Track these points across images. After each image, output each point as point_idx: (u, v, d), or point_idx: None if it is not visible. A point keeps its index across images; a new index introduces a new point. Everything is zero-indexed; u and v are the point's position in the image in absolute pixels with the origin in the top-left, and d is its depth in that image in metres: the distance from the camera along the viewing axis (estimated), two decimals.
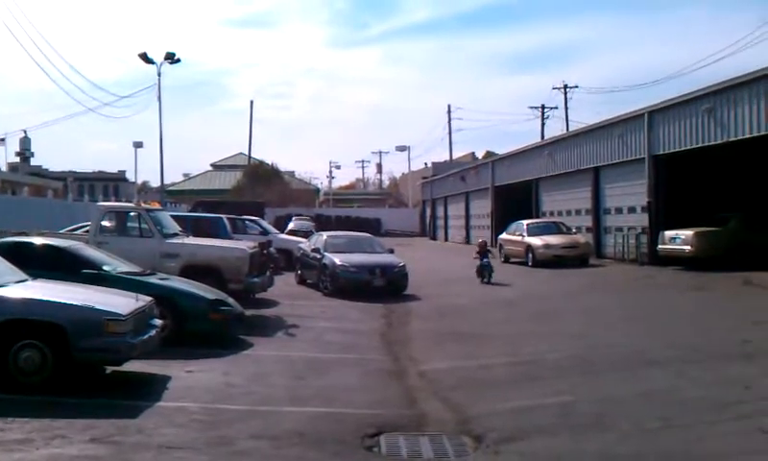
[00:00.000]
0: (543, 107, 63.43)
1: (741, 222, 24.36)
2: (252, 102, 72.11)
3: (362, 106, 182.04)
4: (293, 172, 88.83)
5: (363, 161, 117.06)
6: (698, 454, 6.92)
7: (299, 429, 7.72)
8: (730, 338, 12.52)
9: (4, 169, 79.49)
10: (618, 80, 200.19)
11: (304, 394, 9.44)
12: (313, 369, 10.94)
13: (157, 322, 10.42)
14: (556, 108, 63.97)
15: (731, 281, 20.48)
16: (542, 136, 57.38)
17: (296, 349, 12.59)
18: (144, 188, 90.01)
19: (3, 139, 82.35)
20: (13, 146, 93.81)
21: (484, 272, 23.12)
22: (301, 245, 24.93)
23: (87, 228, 18.71)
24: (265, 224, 32.35)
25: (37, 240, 13.71)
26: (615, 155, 30.06)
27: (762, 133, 21.00)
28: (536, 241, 29.14)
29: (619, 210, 30.21)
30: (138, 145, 70.16)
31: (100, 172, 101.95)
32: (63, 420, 7.60)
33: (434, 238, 62.92)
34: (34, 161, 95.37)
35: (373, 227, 58.51)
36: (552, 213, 36.44)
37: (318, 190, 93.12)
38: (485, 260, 23.26)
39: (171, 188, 74.80)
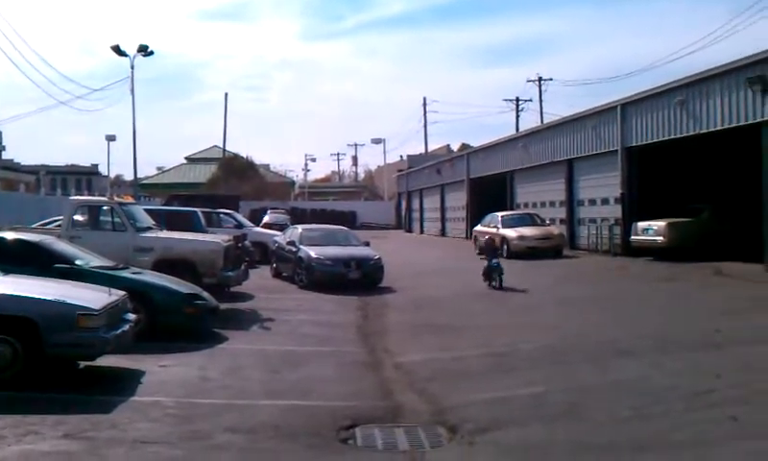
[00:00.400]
0: (518, 99, 63.72)
1: (712, 213, 24.66)
2: (226, 94, 71.36)
3: (337, 98, 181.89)
4: (268, 165, 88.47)
5: (338, 154, 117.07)
6: (670, 443, 7.00)
7: (274, 422, 7.71)
8: (701, 328, 12.69)
9: None
10: (593, 72, 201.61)
11: (280, 387, 9.44)
12: (288, 362, 10.93)
13: (131, 316, 10.35)
14: (530, 100, 64.18)
15: (702, 272, 20.74)
16: (517, 129, 57.60)
17: (271, 342, 12.58)
18: (117, 182, 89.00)
19: None
20: None
21: (492, 274, 19.51)
22: (277, 238, 24.87)
23: (60, 222, 18.54)
24: (240, 217, 32.23)
25: (9, 235, 13.53)
26: (589, 147, 30.29)
27: (733, 124, 21.26)
28: (510, 233, 29.30)
29: (593, 202, 30.45)
30: (111, 138, 69.69)
31: (72, 166, 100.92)
32: (36, 415, 7.53)
33: (409, 231, 63.02)
34: (5, 155, 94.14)
35: (349, 220, 58.46)
36: (527, 205, 36.64)
37: (293, 183, 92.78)
38: (494, 261, 19.68)
39: (144, 182, 74.14)
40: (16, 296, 9.33)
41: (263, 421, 7.79)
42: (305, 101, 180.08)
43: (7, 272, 10.37)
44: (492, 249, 20.17)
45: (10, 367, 8.83)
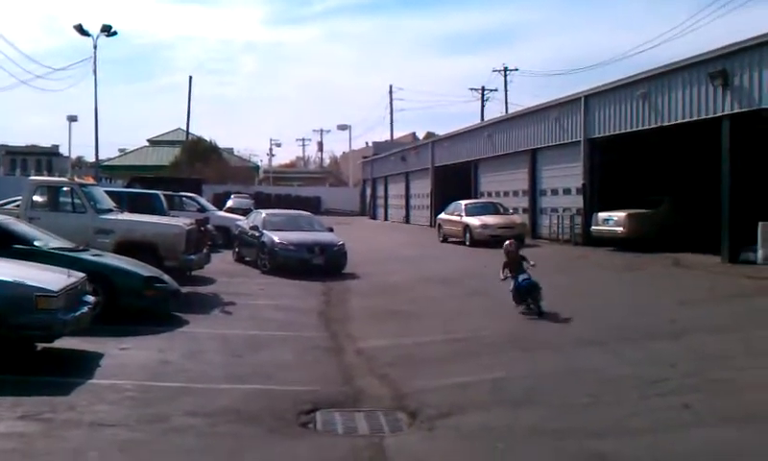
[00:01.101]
0: (483, 89, 64.11)
1: (672, 205, 25.05)
2: (190, 77, 71.02)
3: (303, 83, 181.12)
4: (232, 149, 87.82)
5: (304, 140, 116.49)
6: (626, 429, 7.13)
7: (234, 406, 7.70)
8: (658, 317, 12.91)
9: None
10: (558, 63, 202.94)
11: (240, 371, 9.42)
12: (250, 346, 10.91)
13: (90, 298, 10.23)
14: (496, 90, 64.95)
15: (661, 262, 21.06)
16: (482, 118, 57.94)
17: (232, 326, 12.53)
18: (79, 163, 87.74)
19: None
20: None
21: (526, 295, 13.26)
22: (240, 223, 24.72)
23: (18, 202, 18.24)
24: (203, 201, 31.96)
25: None
26: (552, 137, 30.55)
27: (695, 118, 21.57)
28: (473, 221, 29.48)
29: (555, 192, 30.74)
30: (73, 119, 68.81)
31: (33, 146, 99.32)
32: None
33: (374, 217, 63.06)
34: None
35: (313, 205, 58.29)
36: (490, 194, 36.86)
37: (257, 168, 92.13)
38: (522, 279, 13.31)
39: (106, 163, 73.16)
40: None
41: (223, 405, 7.78)
42: (271, 85, 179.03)
43: None
44: (515, 260, 13.62)
45: None
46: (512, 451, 6.68)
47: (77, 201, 16.68)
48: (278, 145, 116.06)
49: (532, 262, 13.67)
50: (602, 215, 25.65)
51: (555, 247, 27.80)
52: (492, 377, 9.08)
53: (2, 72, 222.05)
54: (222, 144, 79.39)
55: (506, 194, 35.20)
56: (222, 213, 31.73)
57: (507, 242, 14.13)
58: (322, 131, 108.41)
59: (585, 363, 9.88)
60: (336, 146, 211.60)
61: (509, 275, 13.48)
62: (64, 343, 9.58)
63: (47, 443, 6.41)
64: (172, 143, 76.59)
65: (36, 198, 17.00)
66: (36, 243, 12.48)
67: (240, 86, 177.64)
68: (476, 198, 36.22)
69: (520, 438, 7.00)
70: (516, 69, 68.34)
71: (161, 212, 21.19)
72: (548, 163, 31.35)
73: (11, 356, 8.99)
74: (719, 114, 20.38)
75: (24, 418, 6.97)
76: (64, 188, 17.49)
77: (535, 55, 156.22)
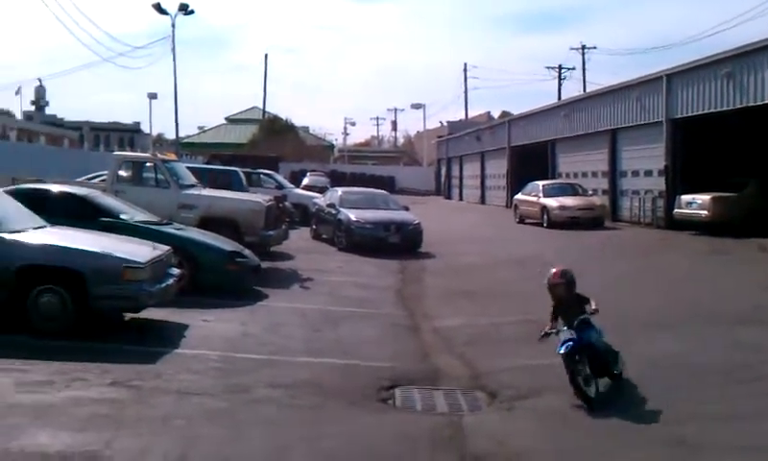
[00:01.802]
0: (560, 67, 62.95)
1: (758, 188, 24.16)
2: (266, 55, 71.63)
3: (377, 62, 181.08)
4: (307, 127, 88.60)
5: (378, 118, 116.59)
6: (707, 415, 6.96)
7: (314, 380, 7.84)
8: (742, 303, 12.52)
9: (19, 118, 79.66)
10: (638, 42, 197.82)
11: (320, 346, 9.56)
12: (328, 321, 11.04)
13: (175, 271, 10.52)
14: (573, 68, 63.47)
15: (746, 247, 20.39)
16: (559, 97, 56.90)
17: (311, 301, 12.70)
18: (159, 140, 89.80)
19: (18, 90, 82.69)
20: (29, 96, 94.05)
21: (579, 365, 7.37)
22: (317, 200, 24.97)
23: (104, 177, 18.77)
24: (280, 178, 32.39)
25: (55, 188, 13.76)
26: (633, 117, 29.81)
27: None
28: (551, 202, 29.07)
29: (636, 173, 30.01)
30: (153, 96, 70.13)
31: (115, 123, 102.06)
32: (83, 364, 7.75)
33: (449, 197, 62.75)
34: (49, 111, 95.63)
35: (388, 184, 58.24)
36: (568, 175, 36.24)
37: (332, 146, 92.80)
38: (587, 335, 7.56)
39: (186, 141, 74.51)
40: (64, 247, 9.55)
41: (304, 378, 7.92)
42: (346, 64, 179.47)
43: (54, 224, 10.60)
44: (568, 301, 7.85)
45: (58, 317, 9.08)
46: (591, 435, 6.61)
47: (160, 176, 17.05)
48: (353, 124, 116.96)
49: (593, 306, 7.82)
50: (685, 198, 24.92)
51: (636, 230, 27.21)
52: None
53: (86, 52, 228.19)
54: (297, 123, 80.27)
55: (584, 175, 34.54)
56: (299, 191, 32.10)
57: (552, 273, 7.89)
58: (396, 110, 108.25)
59: (664, 348, 9.66)
60: (410, 125, 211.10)
61: (557, 327, 7.60)
62: (151, 314, 9.88)
63: (137, 409, 6.63)
64: (249, 121, 77.77)
65: (122, 173, 17.46)
66: (122, 216, 12.86)
67: (315, 65, 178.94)
68: (553, 179, 35.67)
69: (599, 422, 6.90)
70: (594, 47, 66.98)
71: (240, 189, 21.52)
72: (629, 144, 30.61)
73: (99, 325, 9.33)
74: None
75: (114, 384, 7.22)
76: (148, 164, 17.91)
77: (613, 33, 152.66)
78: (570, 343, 7.33)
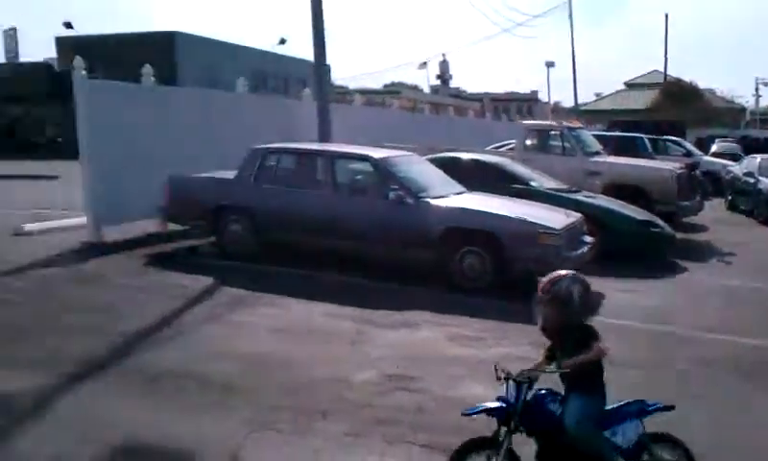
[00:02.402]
0: None
1: None
2: (666, 15, 67.94)
3: None
4: (713, 90, 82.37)
5: None
6: None
7: (735, 358, 7.31)
8: None
9: (426, 92, 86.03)
10: None
11: (740, 325, 8.73)
12: (755, 302, 10.05)
13: (588, 239, 10.43)
14: None
15: None
16: None
17: (733, 277, 11.64)
18: (555, 109, 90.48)
19: (425, 63, 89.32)
20: (434, 71, 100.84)
21: None
22: (731, 168, 23.05)
23: (512, 145, 19.29)
24: (688, 145, 30.57)
25: (468, 156, 14.48)
26: None
27: None
28: None
29: None
30: (550, 64, 70.63)
31: (512, 93, 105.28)
32: (507, 323, 8.00)
33: None
34: (452, 84, 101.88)
35: None
36: None
37: (744, 109, 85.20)
38: (547, 408, 4.31)
39: (583, 108, 74.22)
40: (483, 211, 10.02)
41: (723, 355, 7.45)
42: (751, 19, 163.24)
43: (470, 190, 11.12)
44: (558, 330, 4.51)
45: (479, 277, 9.59)
46: None
47: (566, 144, 17.05)
48: (765, 84, 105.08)
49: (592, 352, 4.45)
50: None
51: None
52: None
53: (486, 22, 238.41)
54: (701, 85, 74.99)
55: None
56: (710, 158, 29.99)
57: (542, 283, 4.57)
58: None
59: None
60: None
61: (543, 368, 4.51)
62: None
63: None
64: (648, 86, 74.63)
65: (529, 141, 17.79)
66: (531, 183, 13.12)
67: (718, 22, 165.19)
68: None
69: None
70: None
71: (646, 156, 20.70)
72: None
73: (515, 286, 9.53)
74: None
75: (533, 344, 7.26)
76: (554, 132, 18.01)
77: None
78: (499, 406, 4.29)
